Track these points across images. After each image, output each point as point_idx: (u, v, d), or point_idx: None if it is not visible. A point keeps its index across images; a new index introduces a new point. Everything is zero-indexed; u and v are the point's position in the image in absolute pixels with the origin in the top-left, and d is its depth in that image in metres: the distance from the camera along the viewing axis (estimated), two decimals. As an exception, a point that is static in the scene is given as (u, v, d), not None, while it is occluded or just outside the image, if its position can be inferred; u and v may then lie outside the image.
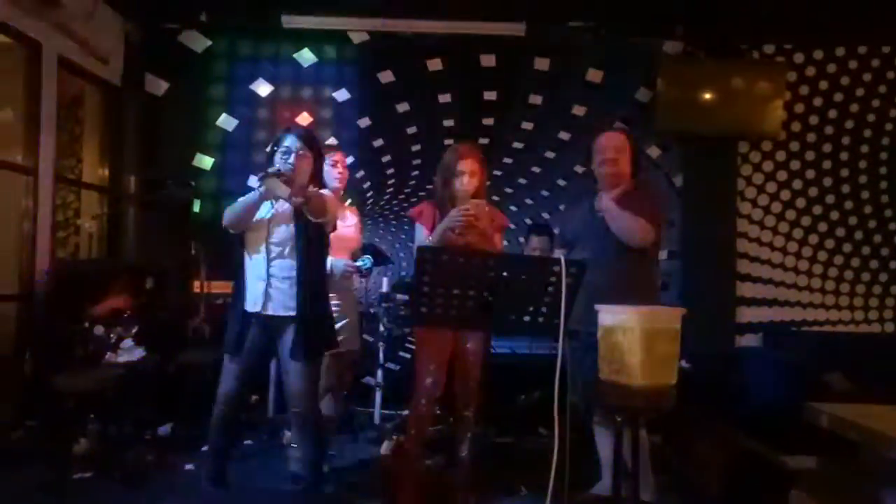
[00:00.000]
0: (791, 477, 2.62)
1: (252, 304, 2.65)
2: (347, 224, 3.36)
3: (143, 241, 4.65)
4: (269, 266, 2.63)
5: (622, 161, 2.92)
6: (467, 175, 2.91)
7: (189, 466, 3.41)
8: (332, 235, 2.97)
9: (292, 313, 2.62)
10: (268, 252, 2.63)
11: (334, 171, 3.25)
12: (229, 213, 2.64)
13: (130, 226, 4.69)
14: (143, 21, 4.69)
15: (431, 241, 2.82)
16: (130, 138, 4.66)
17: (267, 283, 2.62)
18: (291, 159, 2.62)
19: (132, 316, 3.63)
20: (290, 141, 2.65)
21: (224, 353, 2.71)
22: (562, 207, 4.95)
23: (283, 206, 2.66)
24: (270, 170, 2.53)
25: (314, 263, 2.71)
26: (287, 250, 2.64)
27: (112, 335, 3.47)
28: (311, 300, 2.65)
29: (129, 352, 3.47)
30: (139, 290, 3.95)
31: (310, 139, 2.72)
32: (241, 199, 2.63)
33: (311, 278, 2.67)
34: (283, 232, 2.65)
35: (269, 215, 2.66)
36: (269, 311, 2.63)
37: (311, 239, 2.66)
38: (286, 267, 2.64)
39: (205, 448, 3.00)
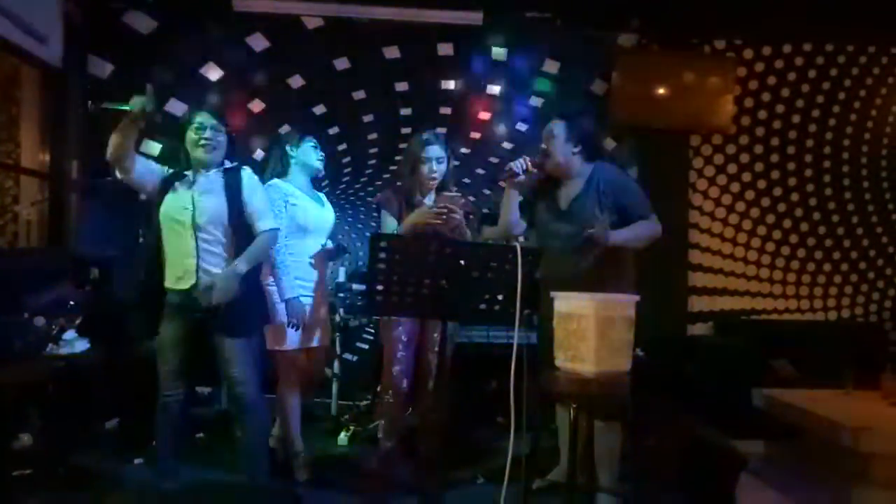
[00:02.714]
0: (741, 461, 2.69)
1: (179, 280, 2.59)
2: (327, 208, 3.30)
3: (86, 230, 4.47)
4: (197, 240, 2.58)
5: (553, 151, 2.86)
6: (434, 162, 2.89)
7: (138, 461, 3.31)
8: (313, 220, 3.08)
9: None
10: (194, 225, 2.58)
11: (317, 153, 3.20)
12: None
13: (73, 213, 4.49)
14: (84, 0, 4.49)
15: (401, 232, 2.79)
16: (73, 122, 4.45)
17: (196, 257, 2.58)
18: (207, 134, 2.62)
19: (75, 306, 3.49)
20: (202, 117, 2.65)
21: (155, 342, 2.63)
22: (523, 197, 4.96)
23: (211, 178, 2.65)
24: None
25: (244, 234, 2.66)
26: (212, 221, 2.61)
27: (54, 326, 3.33)
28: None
29: (72, 344, 3.33)
30: (83, 280, 3.80)
31: (221, 116, 2.72)
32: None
33: (242, 249, 2.63)
34: (212, 203, 2.62)
35: (193, 188, 2.62)
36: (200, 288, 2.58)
37: (240, 211, 2.65)
38: (215, 240, 2.61)
39: (153, 445, 2.92)
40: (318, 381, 3.48)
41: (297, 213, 3.06)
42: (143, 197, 2.73)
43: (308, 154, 3.18)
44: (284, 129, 4.62)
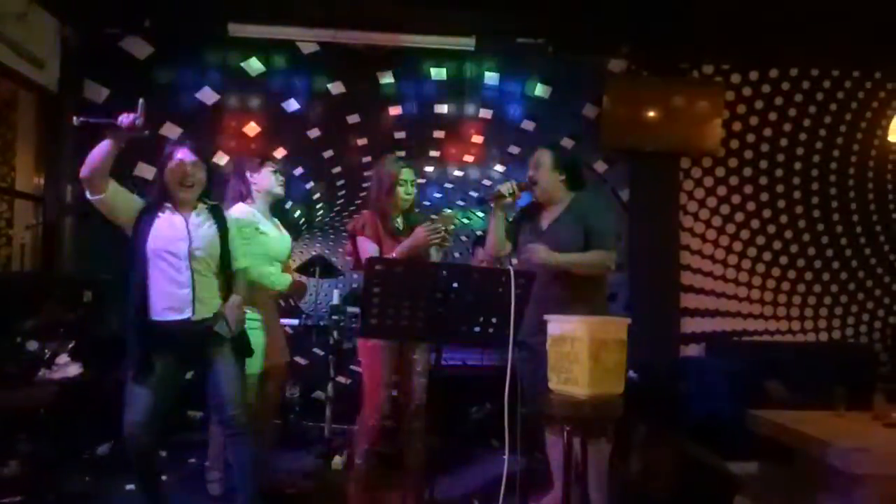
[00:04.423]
0: (735, 482, 2.70)
1: (171, 311, 2.56)
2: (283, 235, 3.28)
3: (80, 253, 4.47)
4: (192, 271, 2.57)
5: (541, 177, 2.97)
6: (409, 184, 2.94)
7: (129, 487, 3.27)
8: (276, 248, 3.08)
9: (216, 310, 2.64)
10: (190, 256, 2.57)
11: (278, 178, 3.19)
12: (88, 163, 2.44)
13: (67, 236, 4.50)
14: (81, 25, 4.54)
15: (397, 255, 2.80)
16: (68, 146, 4.48)
17: (192, 288, 2.57)
18: (188, 171, 2.61)
19: (68, 330, 3.48)
20: (182, 153, 2.63)
21: (131, 378, 2.52)
22: (509, 219, 5.01)
23: (201, 213, 2.67)
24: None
25: (227, 265, 2.71)
26: (207, 254, 2.62)
27: (46, 350, 3.31)
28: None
29: (65, 368, 3.32)
30: (76, 304, 3.79)
31: (201, 151, 2.71)
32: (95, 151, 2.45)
33: (227, 280, 2.69)
34: (206, 233, 2.64)
35: (185, 220, 2.62)
36: (197, 316, 2.58)
37: (226, 246, 2.69)
38: (209, 271, 2.63)
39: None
40: (273, 402, 3.38)
41: (266, 242, 3.08)
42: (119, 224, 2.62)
43: (269, 180, 3.16)
44: (280, 152, 4.67)
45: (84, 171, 2.44)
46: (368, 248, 2.91)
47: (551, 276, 2.84)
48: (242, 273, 2.80)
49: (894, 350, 5.12)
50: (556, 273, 2.84)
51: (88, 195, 2.50)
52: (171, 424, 2.72)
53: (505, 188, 2.92)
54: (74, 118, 2.43)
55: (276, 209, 3.32)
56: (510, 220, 3.16)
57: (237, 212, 3.06)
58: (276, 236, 3.17)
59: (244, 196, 3.16)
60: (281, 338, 3.26)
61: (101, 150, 2.42)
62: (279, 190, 3.20)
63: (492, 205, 3.01)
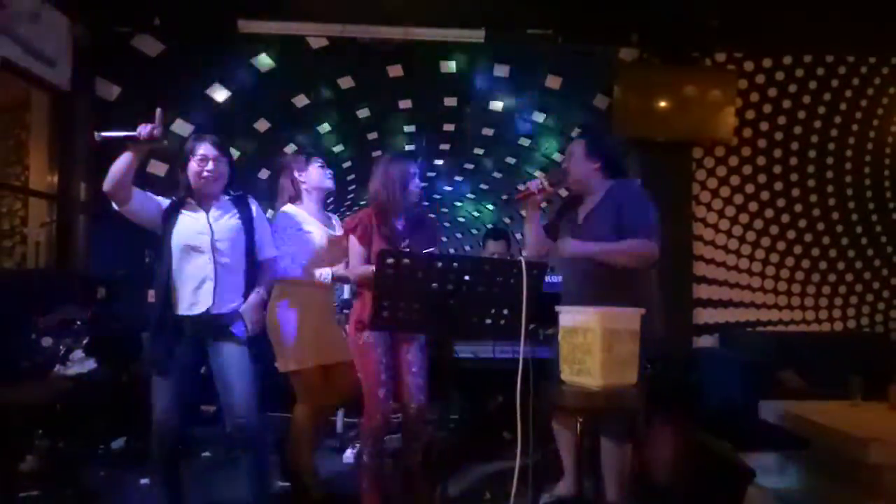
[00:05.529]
0: (749, 473, 2.68)
1: (192, 305, 2.56)
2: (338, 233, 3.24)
3: (94, 250, 4.51)
4: (215, 264, 2.58)
5: (574, 168, 2.87)
6: (416, 177, 2.92)
7: (144, 481, 3.31)
8: (323, 245, 3.04)
9: (237, 307, 2.62)
10: (213, 249, 2.58)
11: (326, 172, 3.17)
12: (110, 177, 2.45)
13: (81, 234, 4.54)
14: (93, 24, 4.56)
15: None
16: (80, 144, 4.52)
17: (215, 281, 2.57)
18: (210, 166, 2.59)
19: (83, 327, 3.51)
20: (205, 148, 2.62)
21: (154, 373, 2.53)
22: (523, 213, 4.99)
23: (223, 205, 2.66)
24: None
25: (252, 261, 2.69)
26: (231, 245, 2.62)
27: (61, 347, 3.35)
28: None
29: (80, 363, 3.35)
30: (90, 301, 3.83)
31: (223, 145, 2.69)
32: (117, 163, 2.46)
33: (253, 271, 2.68)
34: (228, 225, 2.64)
35: (207, 214, 2.62)
36: (216, 311, 2.58)
37: (251, 238, 2.68)
38: (233, 263, 2.63)
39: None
40: (347, 397, 3.21)
41: (312, 240, 3.06)
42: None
43: (317, 176, 3.14)
44: (290, 147, 4.68)
45: (107, 185, 2.45)
46: (356, 251, 2.87)
47: (589, 271, 2.74)
48: (273, 264, 2.79)
49: (911, 340, 5.07)
50: (595, 269, 2.72)
51: (115, 206, 2.53)
52: (185, 419, 2.71)
53: (533, 184, 2.81)
54: (95, 133, 2.43)
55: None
56: (556, 212, 3.04)
57: (281, 212, 3.07)
58: (325, 233, 3.11)
59: (293, 197, 3.14)
60: (335, 335, 3.15)
61: (123, 162, 2.43)
62: (329, 183, 3.18)
63: (523, 204, 2.91)
